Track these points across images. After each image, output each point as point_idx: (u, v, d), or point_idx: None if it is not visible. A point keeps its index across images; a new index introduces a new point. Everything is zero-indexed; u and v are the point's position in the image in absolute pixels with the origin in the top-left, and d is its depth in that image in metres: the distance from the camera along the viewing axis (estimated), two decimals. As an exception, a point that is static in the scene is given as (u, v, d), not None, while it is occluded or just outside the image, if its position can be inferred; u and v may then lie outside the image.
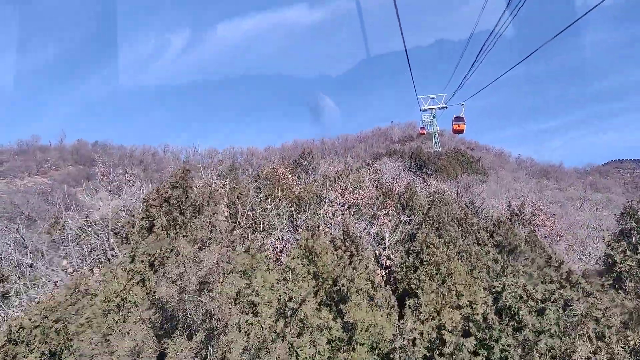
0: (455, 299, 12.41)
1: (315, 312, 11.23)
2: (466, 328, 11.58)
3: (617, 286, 14.78)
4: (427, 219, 21.95)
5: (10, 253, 20.32)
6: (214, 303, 9.36)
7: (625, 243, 18.10)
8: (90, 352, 9.89)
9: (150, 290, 11.13)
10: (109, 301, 10.71)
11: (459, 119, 44.79)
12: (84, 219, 22.76)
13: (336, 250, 14.54)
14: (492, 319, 10.99)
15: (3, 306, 15.20)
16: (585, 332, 10.24)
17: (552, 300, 11.38)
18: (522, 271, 12.93)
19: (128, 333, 10.25)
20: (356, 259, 13.78)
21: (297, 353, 10.42)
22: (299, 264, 12.42)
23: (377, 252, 19.78)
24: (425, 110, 76.35)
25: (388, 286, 14.91)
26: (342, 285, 12.12)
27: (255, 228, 21.49)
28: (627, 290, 15.84)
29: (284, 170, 42.02)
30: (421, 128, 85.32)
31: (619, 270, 15.33)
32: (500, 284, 12.05)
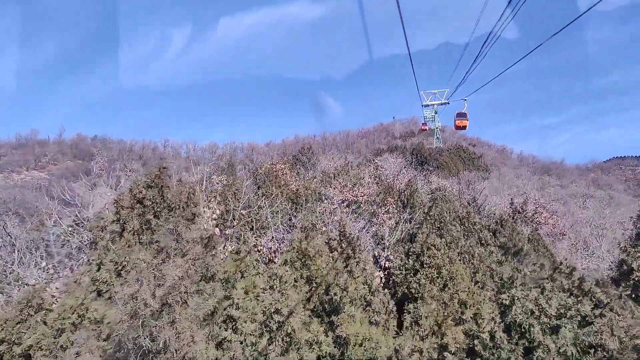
0: (458, 307, 11.56)
1: (305, 325, 10.31)
2: (471, 346, 10.63)
3: (634, 295, 13.82)
4: (428, 218, 21.17)
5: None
6: (172, 330, 8.29)
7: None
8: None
9: (136, 291, 9.33)
10: (64, 318, 9.40)
11: (461, 115, 43.90)
12: (76, 215, 22.04)
13: (332, 252, 13.75)
14: (500, 337, 10.09)
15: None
16: (606, 354, 9.33)
17: (567, 316, 10.38)
18: (533, 280, 11.88)
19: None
20: (353, 261, 13.00)
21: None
22: (287, 270, 11.48)
23: (376, 252, 19.02)
24: (427, 105, 75.22)
25: (387, 290, 14.16)
26: (335, 294, 11.12)
27: (252, 227, 20.75)
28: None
29: (282, 166, 41.25)
30: (423, 124, 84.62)
31: (636, 279, 14.36)
32: (508, 296, 11.01)
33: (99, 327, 9.30)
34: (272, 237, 17.83)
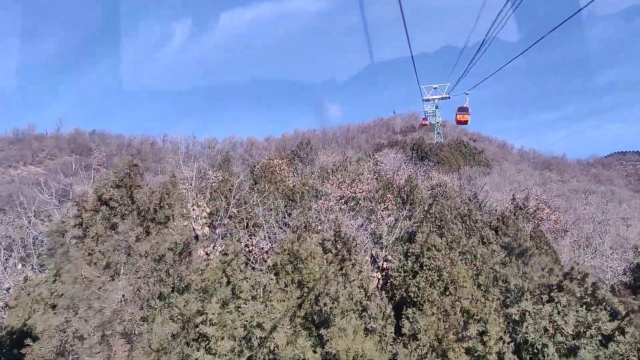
0: (460, 316, 10.71)
1: (290, 341, 9.38)
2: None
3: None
4: (429, 216, 20.36)
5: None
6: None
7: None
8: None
9: (67, 321, 7.93)
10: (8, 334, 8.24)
11: (463, 109, 42.99)
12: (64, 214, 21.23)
13: (326, 253, 12.94)
14: (510, 359, 9.13)
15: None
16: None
17: (587, 335, 9.37)
18: (542, 286, 10.77)
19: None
20: (348, 264, 12.21)
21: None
22: (272, 279, 10.57)
23: (374, 252, 18.23)
24: (428, 100, 74.44)
25: (384, 293, 13.36)
26: (324, 304, 10.17)
27: (246, 224, 19.94)
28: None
29: (280, 162, 40.42)
30: (423, 119, 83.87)
31: (656, 287, 13.36)
32: (518, 310, 9.97)
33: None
34: (265, 236, 17.03)
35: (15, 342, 8.22)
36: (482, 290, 13.23)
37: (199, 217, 16.23)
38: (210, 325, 8.29)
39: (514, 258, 15.80)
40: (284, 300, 10.52)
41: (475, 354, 9.70)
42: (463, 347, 9.75)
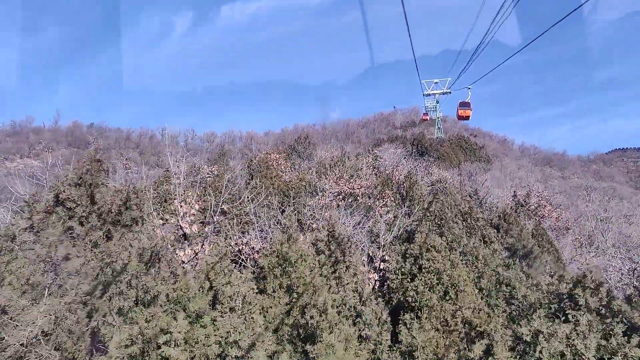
0: (462, 328, 9.99)
1: (274, 357, 8.57)
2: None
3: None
4: (428, 214, 19.61)
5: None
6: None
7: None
8: None
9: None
10: None
11: (464, 104, 41.97)
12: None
13: (319, 254, 12.23)
14: None
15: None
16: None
17: None
18: (551, 294, 9.77)
19: None
20: (342, 266, 11.49)
21: None
22: (252, 287, 9.72)
23: (371, 251, 17.49)
24: (429, 95, 73.61)
25: (380, 298, 12.66)
26: (311, 317, 9.28)
27: (239, 221, 19.21)
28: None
29: (277, 157, 39.59)
30: (424, 114, 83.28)
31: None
32: (530, 330, 8.92)
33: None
34: (257, 235, 16.28)
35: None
36: (484, 294, 12.53)
37: (187, 215, 15.51)
38: (175, 346, 7.40)
39: (517, 260, 15.10)
40: (271, 307, 9.79)
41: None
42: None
